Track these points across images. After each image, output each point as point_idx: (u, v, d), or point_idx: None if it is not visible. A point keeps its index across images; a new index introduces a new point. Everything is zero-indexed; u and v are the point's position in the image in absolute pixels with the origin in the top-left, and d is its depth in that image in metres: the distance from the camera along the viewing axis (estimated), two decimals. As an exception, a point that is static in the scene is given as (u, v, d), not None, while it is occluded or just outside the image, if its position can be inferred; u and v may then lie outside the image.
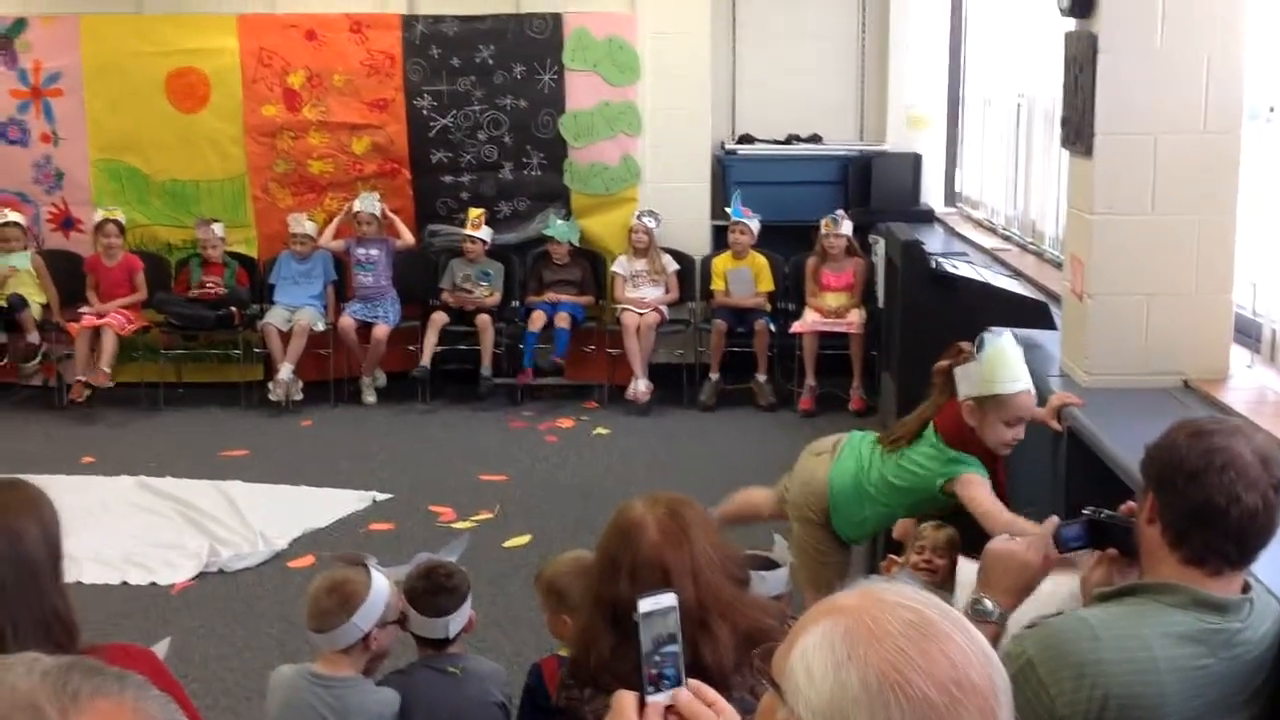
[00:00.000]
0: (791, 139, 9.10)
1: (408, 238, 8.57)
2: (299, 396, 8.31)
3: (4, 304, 8.26)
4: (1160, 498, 2.22)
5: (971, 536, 3.55)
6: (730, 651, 2.18)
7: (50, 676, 1.11)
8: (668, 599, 1.42)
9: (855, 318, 8.09)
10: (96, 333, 8.24)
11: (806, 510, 4.11)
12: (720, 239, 8.68)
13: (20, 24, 8.67)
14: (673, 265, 8.60)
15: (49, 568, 2.08)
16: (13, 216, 8.46)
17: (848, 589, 1.29)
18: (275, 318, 8.41)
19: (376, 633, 3.13)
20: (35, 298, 8.40)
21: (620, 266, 8.56)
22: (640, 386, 8.24)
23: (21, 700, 1.09)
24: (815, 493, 4.09)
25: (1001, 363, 3.70)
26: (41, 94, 8.70)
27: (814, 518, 4.09)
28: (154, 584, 5.57)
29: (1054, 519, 2.47)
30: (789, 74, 9.12)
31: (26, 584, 2.00)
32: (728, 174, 8.80)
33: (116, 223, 8.44)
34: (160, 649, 2.85)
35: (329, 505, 6.45)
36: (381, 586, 3.16)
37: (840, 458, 4.10)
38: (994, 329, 3.77)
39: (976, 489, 3.69)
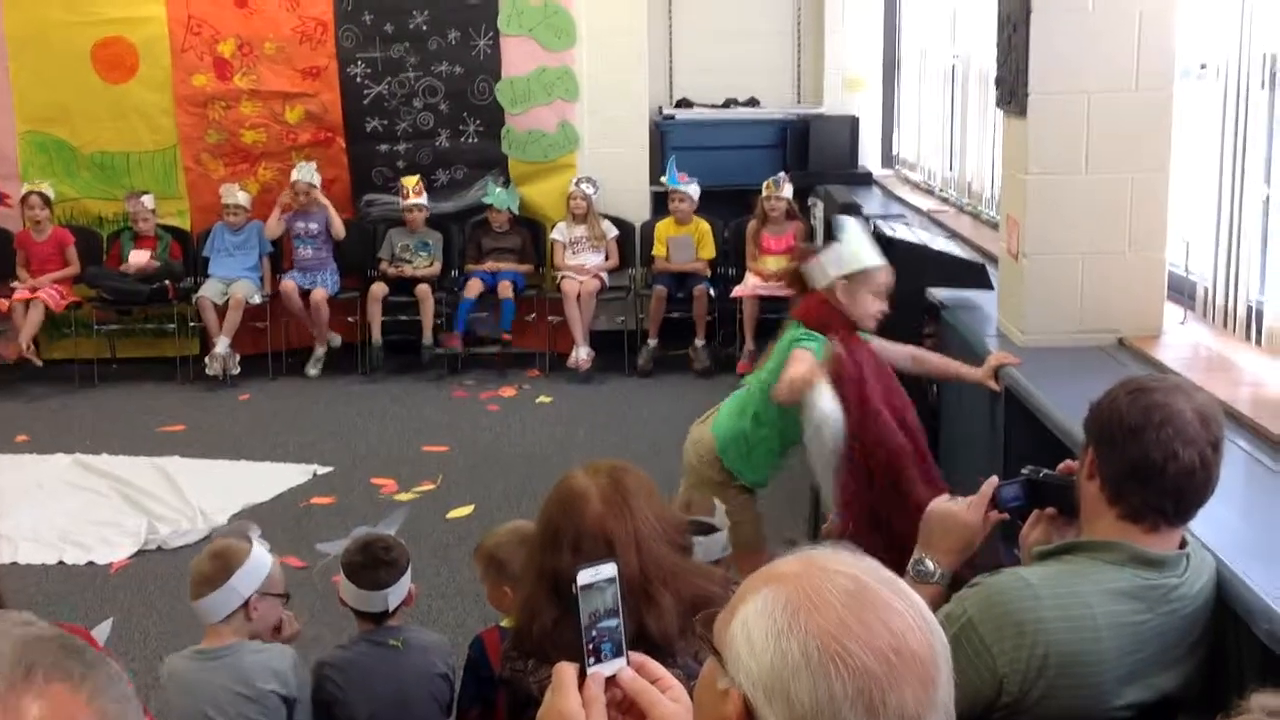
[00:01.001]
0: (729, 103, 9.08)
1: (339, 229, 8.44)
2: (236, 370, 8.22)
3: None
4: (1100, 453, 2.24)
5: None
6: (674, 620, 2.18)
7: (18, 647, 1.08)
8: (607, 570, 1.41)
9: (796, 281, 8.09)
10: (26, 307, 8.10)
11: (707, 471, 4.16)
12: (660, 205, 8.66)
13: (-61, -7, 8.45)
14: (612, 231, 8.57)
15: None
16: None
17: (788, 555, 1.28)
18: (210, 290, 8.29)
19: (256, 600, 3.10)
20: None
21: (559, 233, 8.52)
22: (582, 354, 8.22)
23: None
24: (707, 447, 4.19)
25: (861, 240, 4.04)
26: (-37, 66, 8.49)
27: (715, 476, 4.14)
28: (91, 563, 5.49)
29: (993, 479, 2.49)
30: (725, 38, 9.09)
31: None
32: (666, 139, 8.77)
33: (41, 195, 8.28)
34: (101, 631, 2.82)
35: (269, 480, 6.39)
36: (262, 555, 3.16)
37: (720, 410, 4.28)
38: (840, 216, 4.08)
39: (800, 360, 3.79)
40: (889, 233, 5.21)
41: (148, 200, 8.37)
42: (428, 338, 8.30)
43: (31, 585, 5.11)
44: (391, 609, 3.23)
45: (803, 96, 9.25)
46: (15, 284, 8.23)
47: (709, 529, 3.20)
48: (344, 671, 3.15)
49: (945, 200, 7.26)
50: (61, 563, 5.50)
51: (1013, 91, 4.32)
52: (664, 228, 8.46)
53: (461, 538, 5.55)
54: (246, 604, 3.09)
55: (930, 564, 2.44)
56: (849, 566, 1.24)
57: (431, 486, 6.27)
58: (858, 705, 1.15)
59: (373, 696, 3.12)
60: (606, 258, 8.51)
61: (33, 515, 5.87)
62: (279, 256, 8.62)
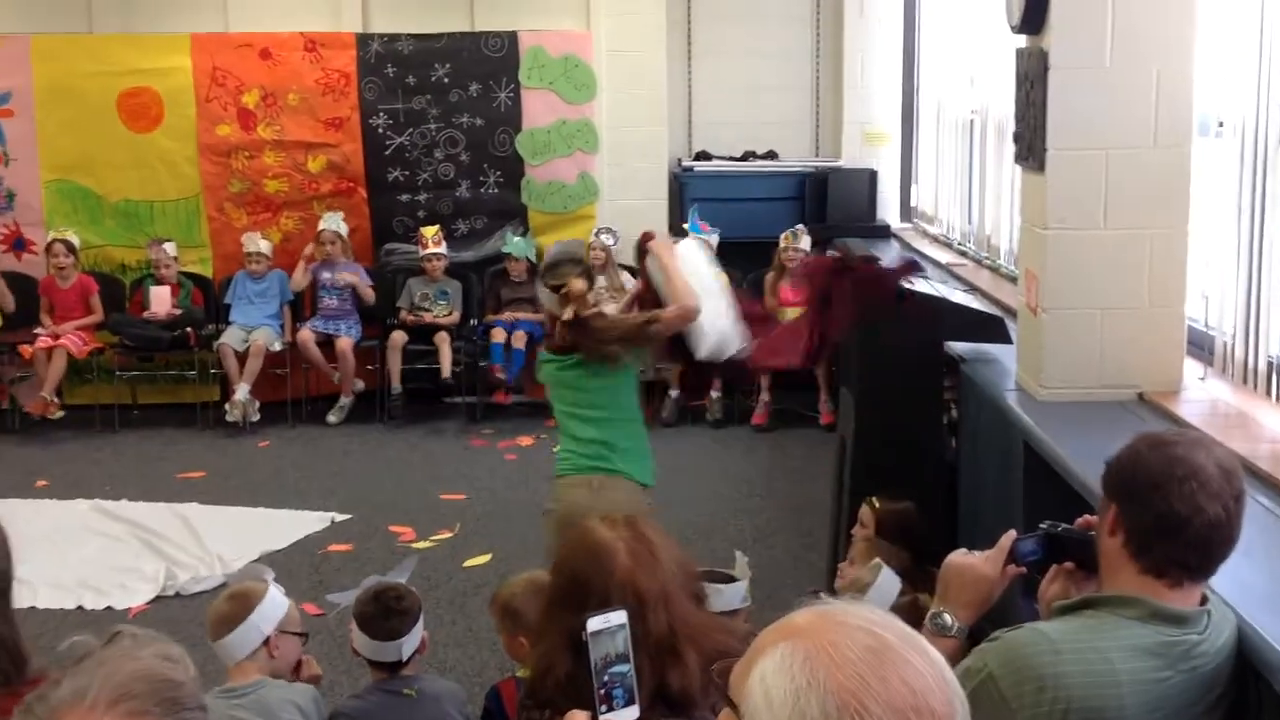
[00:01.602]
0: (748, 155, 9.14)
1: (369, 297, 8.53)
2: (256, 417, 8.25)
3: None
4: (1123, 508, 2.23)
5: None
6: (697, 677, 2.17)
7: (129, 677, 1.17)
8: (617, 618, 1.42)
9: (814, 333, 8.11)
10: (49, 354, 8.16)
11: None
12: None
13: (-30, 44, 8.58)
14: (631, 282, 8.59)
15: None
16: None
17: (805, 609, 1.28)
18: (231, 338, 8.35)
19: (276, 638, 3.12)
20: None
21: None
22: (599, 403, 8.21)
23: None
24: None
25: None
26: (-8, 114, 8.61)
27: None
28: (110, 608, 5.51)
29: (1011, 533, 2.48)
30: (745, 91, 9.18)
31: None
32: (685, 191, 8.83)
33: (66, 243, 8.36)
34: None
35: (287, 527, 6.40)
36: (279, 595, 3.19)
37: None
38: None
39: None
40: (907, 285, 5.23)
41: (169, 247, 8.45)
42: (446, 372, 8.28)
43: (50, 630, 5.11)
44: (405, 658, 3.23)
45: (821, 149, 9.30)
46: (39, 330, 8.30)
47: (728, 578, 3.20)
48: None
49: (963, 253, 7.28)
50: (80, 608, 5.52)
51: (1030, 147, 4.34)
52: (682, 278, 8.48)
53: (478, 586, 5.55)
54: (267, 642, 3.09)
55: (948, 618, 2.43)
56: (868, 622, 1.23)
57: (449, 535, 6.27)
58: None
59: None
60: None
61: (52, 560, 5.88)
62: (299, 305, 8.68)
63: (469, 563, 5.92)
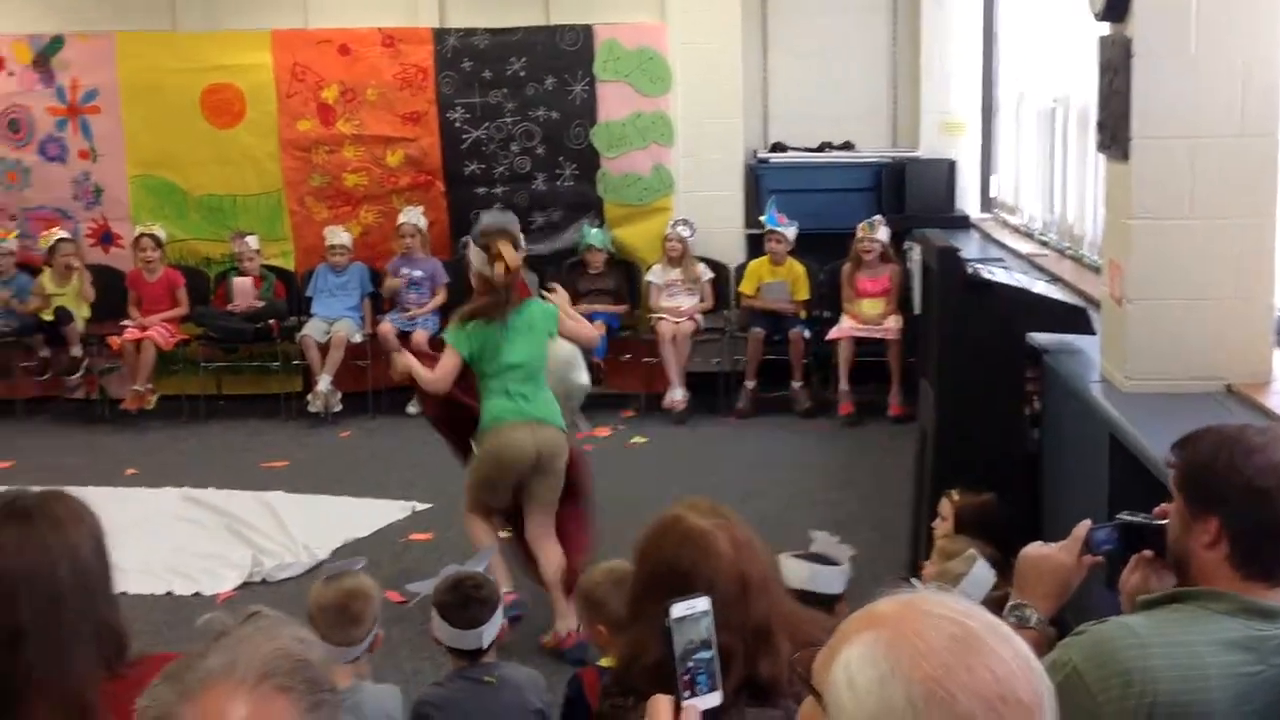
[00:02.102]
0: (824, 146, 9.09)
1: (438, 298, 8.65)
2: (338, 408, 8.36)
3: (51, 317, 8.37)
4: (1226, 520, 2.18)
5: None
6: (787, 666, 2.17)
7: (271, 655, 1.22)
8: (701, 604, 1.43)
9: (892, 324, 8.08)
10: (137, 346, 8.34)
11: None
12: (754, 247, 8.69)
13: (57, 42, 8.78)
14: (707, 274, 8.61)
15: (102, 579, 2.11)
16: (62, 234, 8.56)
17: (888, 597, 1.28)
18: (313, 330, 8.48)
19: (381, 635, 3.17)
20: (80, 312, 8.52)
21: (655, 275, 8.58)
22: (677, 395, 8.25)
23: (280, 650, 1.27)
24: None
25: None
26: (79, 111, 8.81)
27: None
28: (198, 594, 5.62)
29: (1086, 522, 2.45)
30: (821, 81, 9.12)
31: (83, 595, 2.03)
32: (761, 182, 8.80)
33: (154, 237, 8.53)
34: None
35: (369, 515, 6.50)
36: (376, 587, 3.21)
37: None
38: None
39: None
40: (987, 275, 5.18)
41: (252, 240, 8.59)
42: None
43: (141, 615, 5.22)
44: (486, 645, 3.26)
45: (899, 140, 9.23)
46: (126, 323, 8.48)
47: (830, 560, 3.17)
48: (442, 709, 3.18)
49: (1045, 244, 7.19)
50: (169, 594, 5.65)
51: (1114, 135, 4.29)
52: (757, 267, 8.49)
53: (559, 577, 5.59)
54: (373, 641, 3.15)
55: (1028, 610, 2.42)
56: (953, 611, 1.23)
57: (527, 525, 6.30)
58: None
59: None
60: (701, 300, 8.54)
61: (142, 547, 5.99)
62: (379, 298, 8.78)
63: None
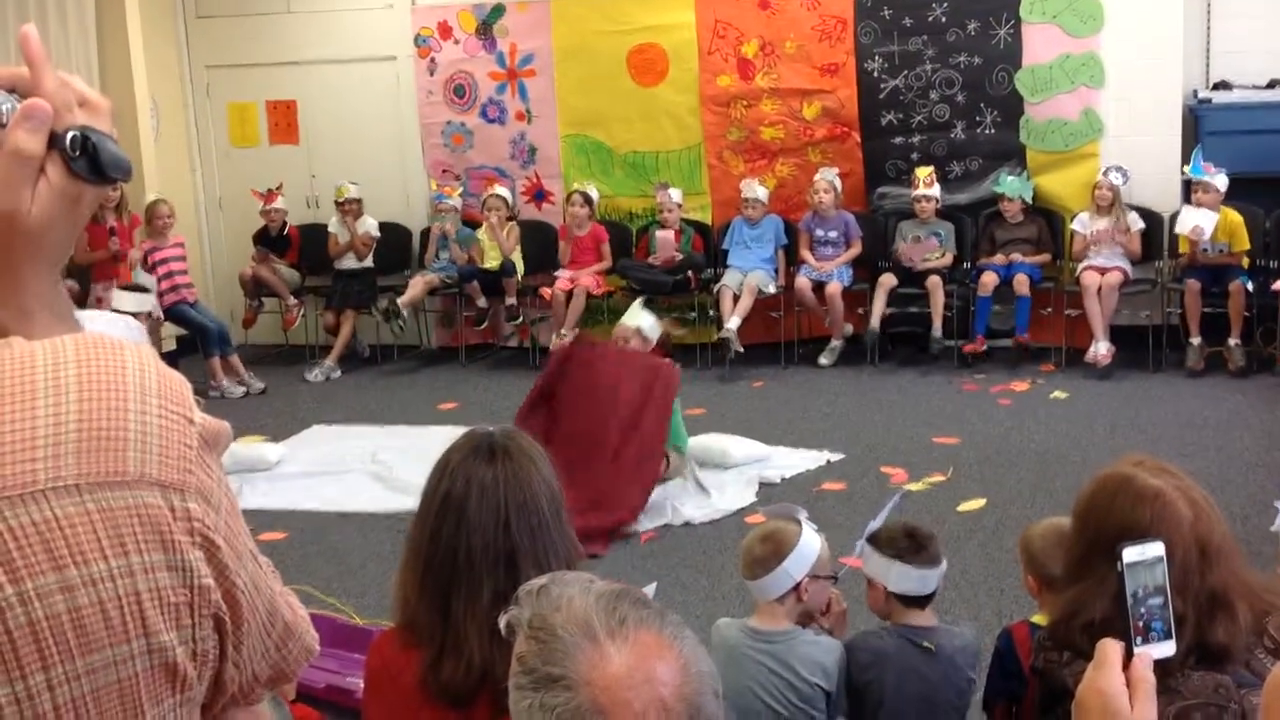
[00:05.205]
0: (1275, 84, 8.36)
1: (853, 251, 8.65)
2: (740, 349, 8.48)
3: (495, 266, 8.98)
4: None
5: None
6: (1244, 633, 2.06)
7: (604, 600, 1.23)
8: (1154, 549, 1.38)
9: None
10: (568, 296, 8.82)
11: None
12: (1191, 195, 8.13)
13: (499, 10, 9.36)
14: (1138, 224, 8.15)
15: (563, 505, 2.33)
16: (500, 190, 9.17)
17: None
18: (730, 281, 8.68)
19: (807, 583, 3.16)
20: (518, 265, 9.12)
21: (1080, 224, 8.20)
22: (1101, 350, 7.89)
23: (577, 615, 1.21)
24: None
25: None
26: (517, 75, 9.37)
27: None
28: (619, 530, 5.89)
29: None
30: (1271, 11, 8.38)
31: (559, 521, 2.26)
32: (1200, 124, 8.23)
33: (585, 194, 8.97)
34: (648, 591, 3.03)
35: (784, 463, 6.59)
36: (812, 539, 3.19)
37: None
38: None
39: None
40: None
41: (675, 193, 8.87)
42: (937, 329, 8.26)
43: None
44: (934, 590, 3.22)
45: (1366, 73, 8.37)
46: (558, 274, 8.99)
47: None
48: (878, 662, 3.16)
49: None
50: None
51: None
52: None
53: (972, 531, 5.50)
54: (797, 586, 3.18)
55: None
56: None
57: (942, 478, 6.23)
58: None
59: (901, 693, 3.13)
60: (1128, 251, 8.10)
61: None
62: (793, 250, 8.87)
63: (962, 507, 5.86)
